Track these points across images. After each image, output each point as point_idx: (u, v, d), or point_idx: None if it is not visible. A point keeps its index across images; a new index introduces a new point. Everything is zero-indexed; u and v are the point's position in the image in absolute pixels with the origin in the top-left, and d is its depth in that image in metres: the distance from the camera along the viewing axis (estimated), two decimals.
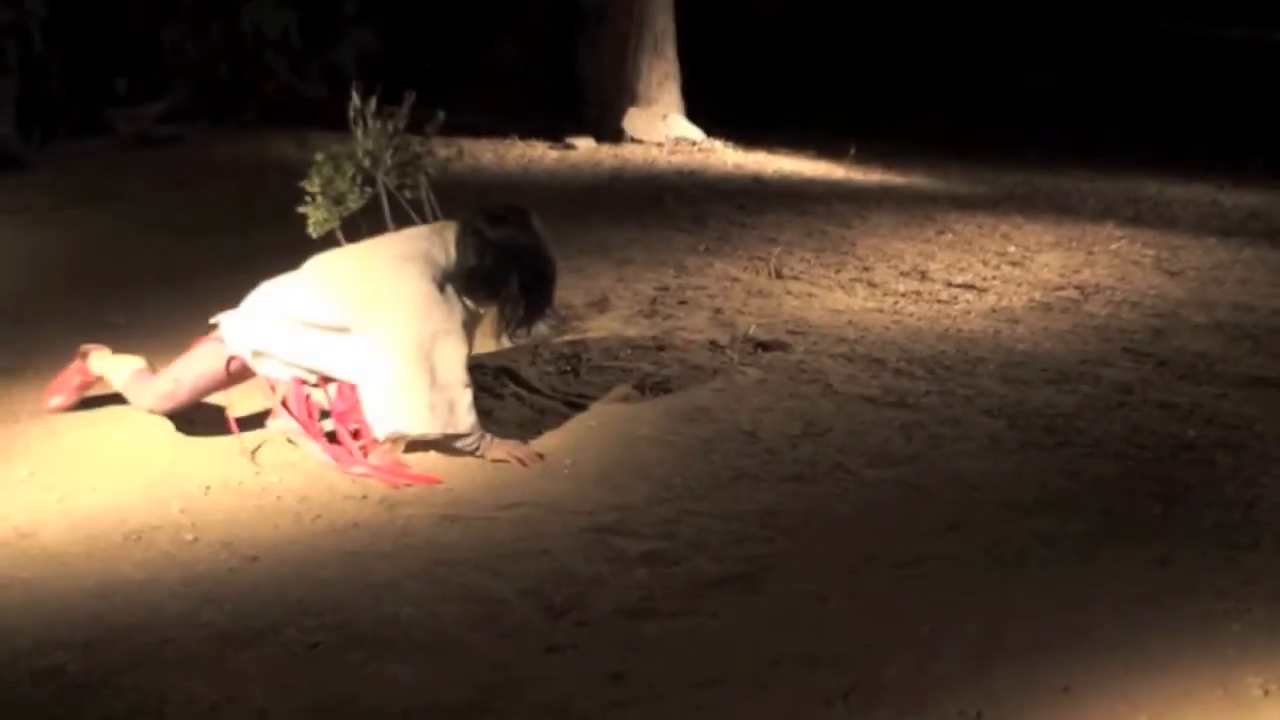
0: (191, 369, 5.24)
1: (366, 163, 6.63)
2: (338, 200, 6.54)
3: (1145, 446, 5.26)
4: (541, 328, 5.47)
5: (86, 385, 5.55)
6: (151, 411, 5.32)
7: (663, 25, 12.47)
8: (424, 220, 6.38)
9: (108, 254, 7.94)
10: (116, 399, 5.68)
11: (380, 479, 4.96)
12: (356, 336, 5.01)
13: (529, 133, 12.07)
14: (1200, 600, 4.06)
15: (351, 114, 6.66)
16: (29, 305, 7.01)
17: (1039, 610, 4.00)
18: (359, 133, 6.68)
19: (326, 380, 5.21)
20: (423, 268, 5.03)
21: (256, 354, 5.15)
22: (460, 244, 5.10)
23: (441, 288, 5.05)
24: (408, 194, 6.85)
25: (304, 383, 5.20)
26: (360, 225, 6.51)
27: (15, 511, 4.74)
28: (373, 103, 6.65)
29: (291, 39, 13.67)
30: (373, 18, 14.07)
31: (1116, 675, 3.65)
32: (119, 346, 5.90)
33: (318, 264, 5.26)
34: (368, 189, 6.66)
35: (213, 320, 5.29)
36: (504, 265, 5.08)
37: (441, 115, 6.76)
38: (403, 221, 6.43)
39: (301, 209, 6.52)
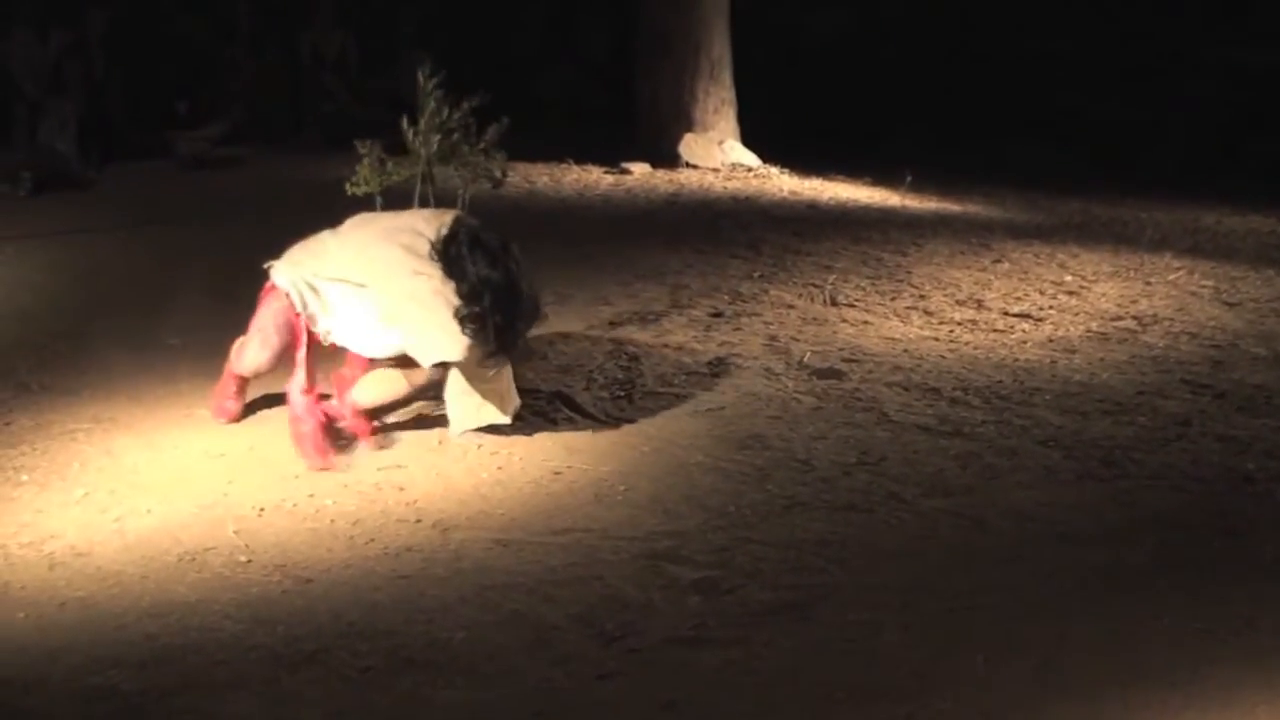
0: (268, 316, 5.45)
1: (409, 136, 6.64)
2: (384, 168, 6.59)
3: (1204, 479, 5.21)
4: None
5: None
6: (266, 370, 5.54)
7: (719, 51, 12.46)
8: None
9: (165, 275, 7.99)
10: (177, 419, 5.72)
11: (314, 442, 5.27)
12: (370, 292, 5.25)
13: (585, 157, 12.08)
14: (1260, 636, 4.02)
15: (419, 81, 6.63)
16: (87, 325, 7.05)
17: (1095, 644, 3.97)
18: (422, 112, 6.70)
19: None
20: (409, 239, 5.27)
21: (297, 290, 5.36)
22: (445, 241, 5.30)
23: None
24: (461, 191, 6.84)
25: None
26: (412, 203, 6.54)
27: (71, 531, 4.78)
28: (431, 84, 6.61)
29: (349, 61, 13.75)
30: (430, 41, 14.12)
31: (1174, 711, 3.61)
32: (175, 367, 5.94)
33: (343, 225, 5.54)
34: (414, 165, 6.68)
35: (265, 265, 5.49)
36: (474, 292, 5.22)
37: (505, 121, 6.74)
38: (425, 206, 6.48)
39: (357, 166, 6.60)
